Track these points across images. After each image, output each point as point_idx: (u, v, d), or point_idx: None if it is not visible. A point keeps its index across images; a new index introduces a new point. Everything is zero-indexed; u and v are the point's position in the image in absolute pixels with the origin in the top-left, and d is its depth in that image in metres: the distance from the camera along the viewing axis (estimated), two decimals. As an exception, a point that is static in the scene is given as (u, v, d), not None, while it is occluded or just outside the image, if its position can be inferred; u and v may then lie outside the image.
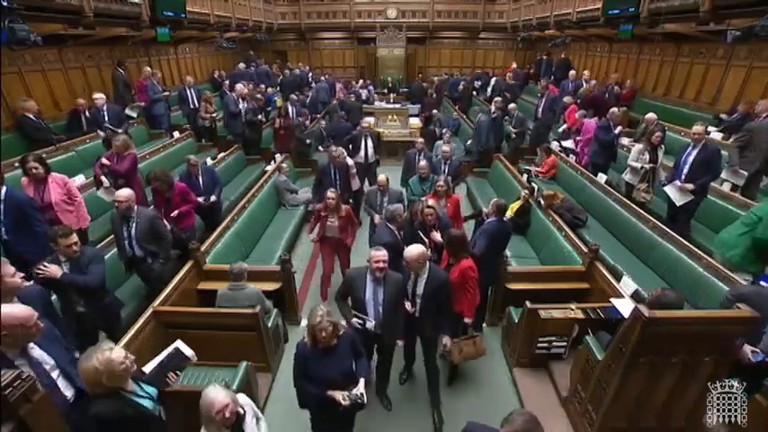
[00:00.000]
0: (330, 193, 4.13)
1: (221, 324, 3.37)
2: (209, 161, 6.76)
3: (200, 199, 4.91)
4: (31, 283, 2.68)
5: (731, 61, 7.08)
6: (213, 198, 5.12)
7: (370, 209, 4.89)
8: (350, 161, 5.81)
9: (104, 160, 4.75)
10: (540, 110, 8.51)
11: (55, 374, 2.11)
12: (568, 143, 7.69)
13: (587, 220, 5.28)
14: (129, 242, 3.69)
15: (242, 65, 12.53)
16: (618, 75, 9.69)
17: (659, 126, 6.65)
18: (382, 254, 2.76)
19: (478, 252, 3.57)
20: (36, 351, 2.05)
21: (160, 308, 3.37)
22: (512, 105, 8.63)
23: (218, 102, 9.32)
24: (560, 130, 8.19)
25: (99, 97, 6.38)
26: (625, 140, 6.86)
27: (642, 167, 5.32)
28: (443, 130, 7.91)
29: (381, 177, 4.85)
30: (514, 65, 13.51)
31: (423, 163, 5.06)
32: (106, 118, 6.33)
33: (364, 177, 6.49)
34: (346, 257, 4.57)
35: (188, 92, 8.22)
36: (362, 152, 6.45)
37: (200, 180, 5.11)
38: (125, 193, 3.61)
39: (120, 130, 6.13)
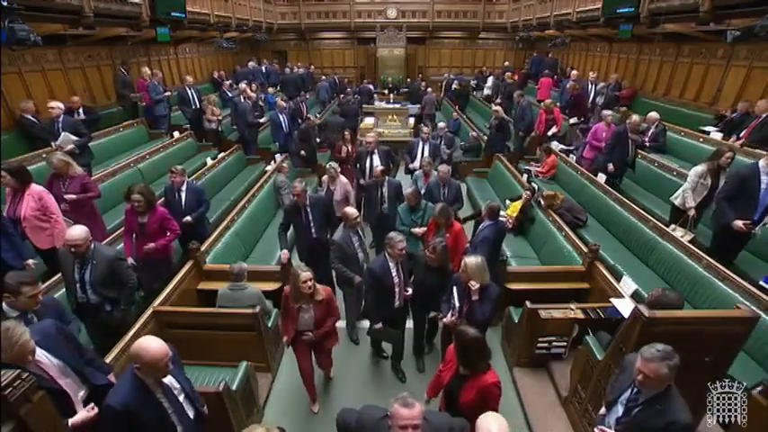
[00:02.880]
0: (304, 274, 2.81)
1: (221, 324, 3.37)
2: (209, 161, 6.77)
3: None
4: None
5: (731, 61, 7.06)
6: (188, 219, 4.32)
7: (343, 269, 3.62)
8: (339, 193, 4.88)
9: (63, 191, 3.96)
10: (515, 118, 8.27)
11: (181, 398, 2.13)
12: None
13: (587, 220, 5.27)
14: (81, 286, 2.98)
15: (251, 63, 12.62)
16: (618, 75, 9.69)
17: (661, 126, 6.66)
18: (415, 413, 1.80)
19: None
20: (167, 378, 2.06)
21: (160, 308, 3.37)
22: (441, 124, 7.66)
23: (217, 102, 9.32)
24: (550, 133, 7.84)
25: (55, 106, 5.36)
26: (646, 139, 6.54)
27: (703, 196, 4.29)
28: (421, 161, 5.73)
29: (350, 211, 3.69)
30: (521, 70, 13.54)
31: (411, 190, 4.27)
32: (60, 130, 5.26)
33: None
34: (328, 358, 3.42)
35: (189, 92, 8.21)
36: (367, 172, 5.46)
37: (183, 198, 4.40)
38: (78, 232, 2.87)
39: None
